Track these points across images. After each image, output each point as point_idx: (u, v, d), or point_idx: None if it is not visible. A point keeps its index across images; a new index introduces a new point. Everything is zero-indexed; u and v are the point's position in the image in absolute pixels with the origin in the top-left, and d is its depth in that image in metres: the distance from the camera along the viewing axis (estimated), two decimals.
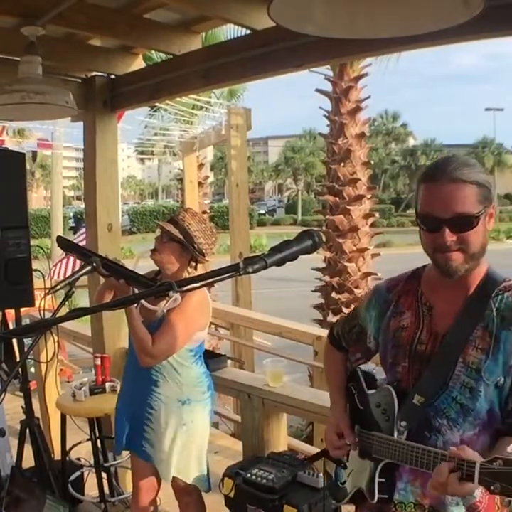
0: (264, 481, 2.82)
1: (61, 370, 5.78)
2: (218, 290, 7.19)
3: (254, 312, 6.17)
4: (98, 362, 3.46)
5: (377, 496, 1.65)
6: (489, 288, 1.58)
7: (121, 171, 43.79)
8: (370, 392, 1.76)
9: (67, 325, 4.41)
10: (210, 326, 2.92)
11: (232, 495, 2.95)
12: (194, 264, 2.67)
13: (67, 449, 3.44)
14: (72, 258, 7.96)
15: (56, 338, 3.09)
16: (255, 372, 5.66)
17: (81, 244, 4.04)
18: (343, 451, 1.82)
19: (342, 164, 8.35)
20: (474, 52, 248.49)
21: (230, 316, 5.82)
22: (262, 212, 48.78)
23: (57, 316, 1.61)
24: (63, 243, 2.45)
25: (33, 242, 3.10)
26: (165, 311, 2.58)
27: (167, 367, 2.62)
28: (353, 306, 1.93)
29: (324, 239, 7.71)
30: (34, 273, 3.03)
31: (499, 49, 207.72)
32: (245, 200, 7.48)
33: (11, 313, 3.24)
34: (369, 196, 8.54)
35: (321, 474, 2.56)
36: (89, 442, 3.34)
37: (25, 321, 3.81)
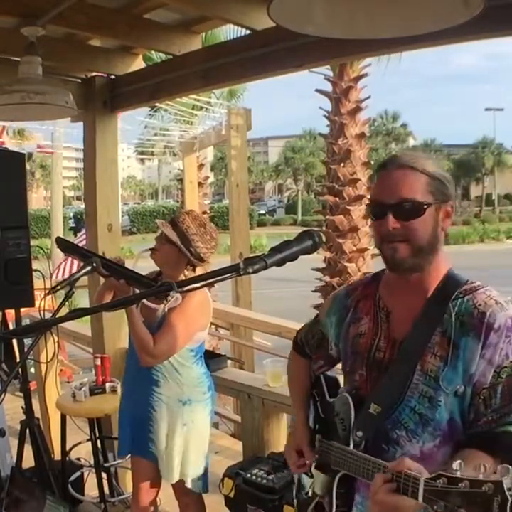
0: (264, 481, 2.82)
1: (61, 370, 5.78)
2: (218, 290, 7.18)
3: (254, 312, 6.16)
4: (98, 362, 3.47)
5: (335, 508, 1.57)
6: (449, 291, 1.50)
7: (121, 171, 43.78)
8: (331, 400, 1.68)
9: (67, 325, 4.41)
10: (210, 326, 2.92)
11: (232, 495, 2.95)
12: (192, 267, 2.65)
13: (67, 449, 3.45)
14: (75, 259, 7.96)
15: (56, 338, 3.09)
16: (255, 372, 5.66)
17: (82, 245, 4.05)
18: (304, 468, 1.75)
19: (342, 164, 8.36)
20: (474, 52, 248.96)
21: (230, 317, 5.82)
22: (262, 212, 48.79)
23: (57, 316, 1.61)
24: (63, 244, 2.44)
25: (33, 242, 3.10)
26: (166, 310, 2.58)
27: (168, 367, 2.62)
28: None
29: (324, 239, 7.71)
30: (34, 273, 3.02)
31: (499, 49, 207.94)
32: (245, 200, 7.47)
33: (11, 313, 3.24)
34: (369, 196, 8.53)
35: None
36: (89, 442, 3.34)
37: (25, 322, 3.81)
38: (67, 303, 1.71)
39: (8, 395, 4.23)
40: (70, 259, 8.54)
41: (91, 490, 3.50)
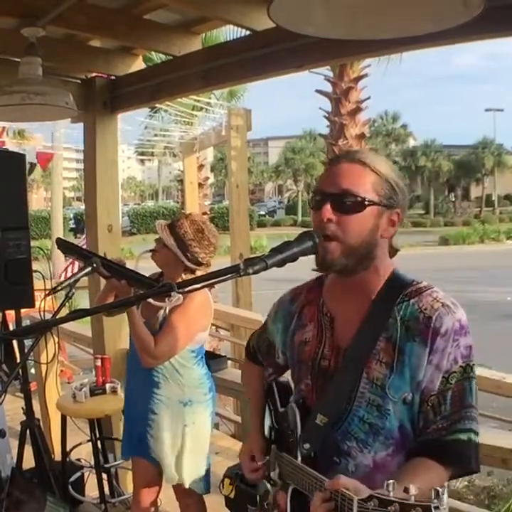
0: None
1: (61, 371, 5.78)
2: (219, 291, 7.18)
3: (254, 313, 6.16)
4: (98, 363, 3.46)
5: None
6: (394, 293, 1.43)
7: (122, 172, 43.74)
8: (282, 409, 1.62)
9: (67, 326, 4.41)
10: (210, 327, 2.91)
11: (232, 496, 2.94)
12: (190, 271, 2.62)
13: (68, 450, 3.45)
14: (76, 261, 7.96)
15: (56, 339, 3.08)
16: None
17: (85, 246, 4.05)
18: (258, 474, 1.69)
19: None
20: (474, 52, 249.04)
21: (230, 317, 5.81)
22: (262, 213, 48.81)
23: (57, 317, 1.61)
24: (63, 245, 2.45)
25: (33, 243, 3.10)
26: (167, 311, 2.58)
27: (169, 368, 2.62)
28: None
29: None
30: (34, 274, 3.02)
31: (499, 49, 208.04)
32: (245, 201, 7.47)
33: (11, 314, 3.24)
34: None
35: None
36: (90, 443, 3.34)
37: (26, 322, 3.81)
38: (67, 304, 1.71)
39: (8, 396, 4.24)
40: (73, 263, 8.54)
41: (91, 491, 3.50)
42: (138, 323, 2.49)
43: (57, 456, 3.49)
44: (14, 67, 2.89)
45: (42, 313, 2.77)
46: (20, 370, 3.06)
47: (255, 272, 1.28)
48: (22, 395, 3.20)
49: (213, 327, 6.07)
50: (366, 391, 1.40)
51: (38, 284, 3.06)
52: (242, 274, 1.27)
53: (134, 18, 3.22)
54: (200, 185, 10.38)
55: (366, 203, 1.37)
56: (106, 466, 3.47)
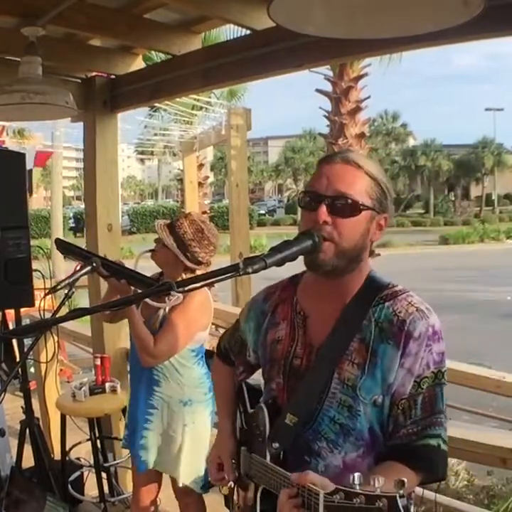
0: None
1: (61, 370, 5.77)
2: (218, 290, 7.18)
3: None
4: (98, 362, 3.46)
5: None
6: (370, 295, 1.43)
7: (121, 171, 43.78)
8: (251, 410, 1.61)
9: (67, 325, 4.40)
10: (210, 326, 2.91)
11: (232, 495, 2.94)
12: (190, 271, 2.62)
13: (67, 449, 3.45)
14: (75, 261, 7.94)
15: (56, 338, 3.09)
16: None
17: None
18: (223, 482, 1.69)
19: None
20: (474, 52, 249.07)
21: (230, 317, 5.80)
22: (262, 212, 48.83)
23: (57, 316, 1.61)
24: (62, 245, 2.44)
25: (32, 242, 3.10)
26: (167, 310, 2.58)
27: (169, 367, 2.62)
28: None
29: None
30: (34, 273, 3.03)
31: (499, 49, 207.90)
32: (245, 200, 7.46)
33: (10, 313, 3.24)
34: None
35: None
36: (89, 442, 3.34)
37: (25, 321, 3.81)
38: (67, 303, 1.71)
39: (7, 395, 4.22)
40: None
41: (91, 490, 3.50)
42: (137, 323, 2.49)
43: (57, 455, 3.50)
44: (14, 66, 2.89)
45: (42, 312, 2.77)
46: (19, 369, 3.06)
47: (255, 271, 1.28)
48: (21, 394, 3.21)
49: (213, 326, 6.07)
50: (337, 391, 1.40)
51: (37, 283, 3.06)
52: (241, 273, 1.28)
53: (134, 18, 3.21)
54: (200, 184, 10.38)
55: (361, 207, 1.38)
56: (105, 465, 3.47)
